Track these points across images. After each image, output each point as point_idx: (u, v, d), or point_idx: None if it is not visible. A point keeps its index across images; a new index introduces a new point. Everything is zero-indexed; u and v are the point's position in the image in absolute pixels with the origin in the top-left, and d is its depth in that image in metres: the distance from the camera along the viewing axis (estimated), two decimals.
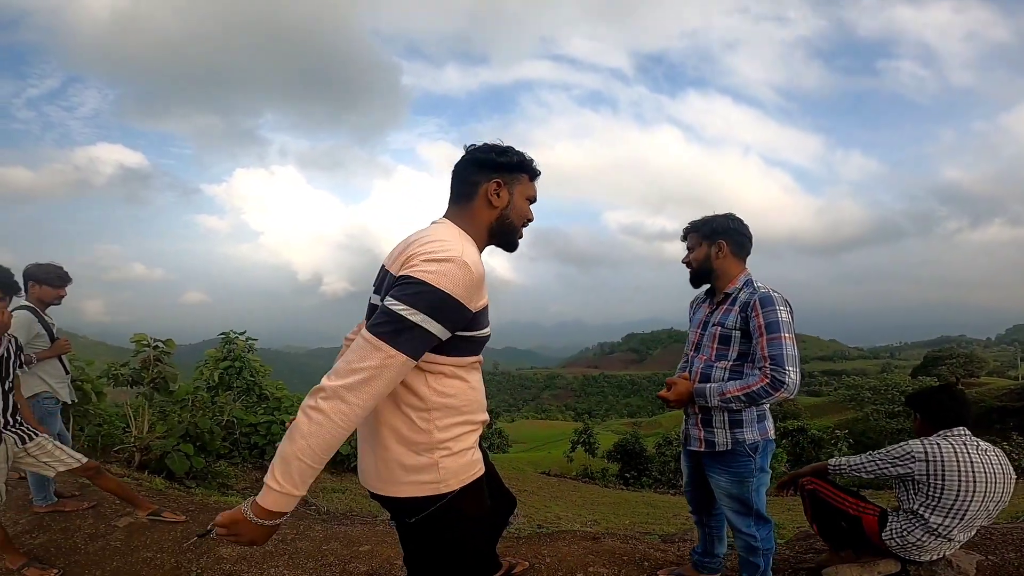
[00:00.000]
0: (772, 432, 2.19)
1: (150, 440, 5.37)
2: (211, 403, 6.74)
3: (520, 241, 1.55)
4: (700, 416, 2.18)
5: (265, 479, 1.18)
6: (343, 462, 7.58)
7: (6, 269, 2.63)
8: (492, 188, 1.46)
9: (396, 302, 1.21)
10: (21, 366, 2.89)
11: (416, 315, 1.20)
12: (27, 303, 3.24)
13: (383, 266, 1.45)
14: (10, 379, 2.71)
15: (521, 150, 1.50)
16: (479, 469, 1.48)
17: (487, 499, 1.53)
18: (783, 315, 1.99)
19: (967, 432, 2.37)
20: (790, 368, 1.92)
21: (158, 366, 5.67)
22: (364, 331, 1.22)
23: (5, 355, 2.65)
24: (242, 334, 7.86)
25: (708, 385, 2.09)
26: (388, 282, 1.32)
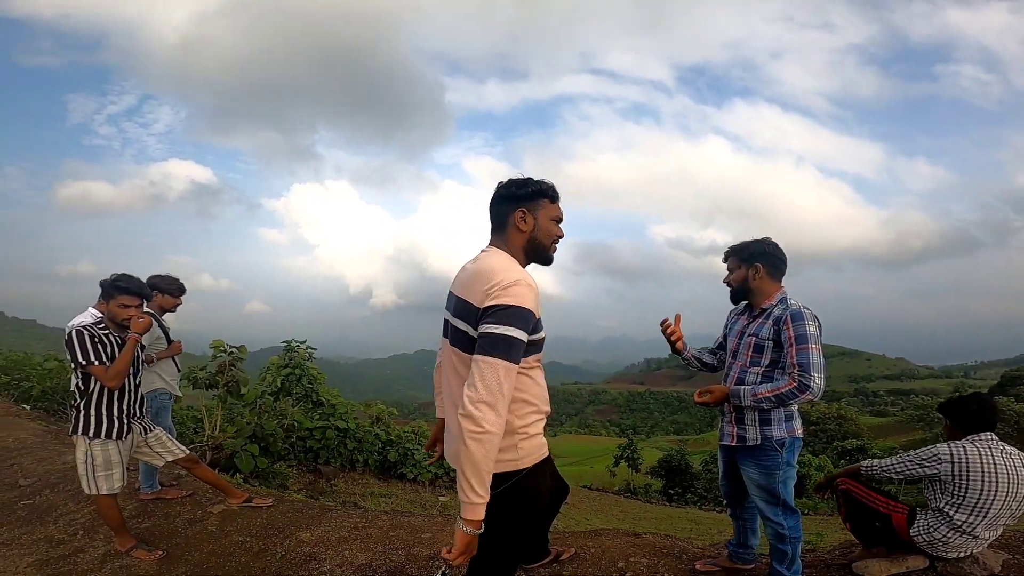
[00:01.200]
0: (800, 431, 2.44)
1: (222, 439, 5.86)
2: (273, 407, 7.20)
3: (555, 256, 1.88)
4: (734, 415, 2.47)
5: (466, 497, 1.52)
6: (390, 469, 7.96)
7: (139, 280, 3.11)
8: (519, 216, 1.77)
9: (498, 325, 1.55)
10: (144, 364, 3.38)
11: (513, 331, 1.56)
12: (148, 309, 3.78)
13: (452, 293, 1.78)
14: (139, 375, 3.18)
15: (540, 179, 1.83)
16: (547, 451, 1.84)
17: (550, 479, 1.88)
18: (811, 328, 2.29)
19: (994, 437, 2.53)
20: (815, 374, 2.23)
21: (232, 371, 6.17)
22: (482, 357, 1.55)
23: (137, 354, 3.11)
24: (303, 343, 8.33)
25: (742, 387, 2.39)
26: (471, 311, 1.64)
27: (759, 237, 2.53)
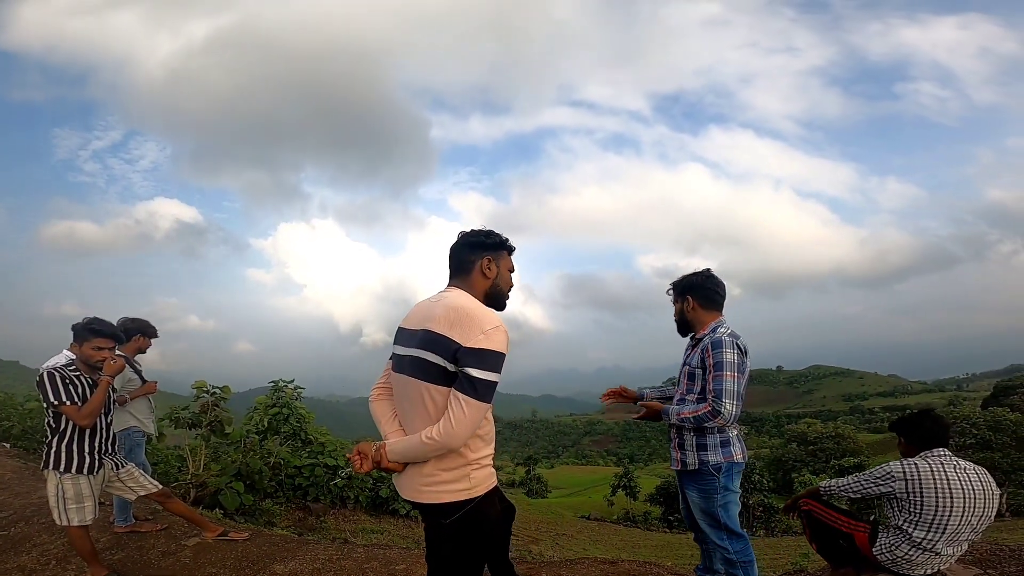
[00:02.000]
0: (740, 456, 2.53)
1: (205, 477, 5.83)
2: (260, 446, 7.19)
3: (507, 303, 2.02)
4: (676, 440, 2.60)
5: (397, 455, 1.80)
6: (382, 505, 7.88)
7: (111, 323, 3.21)
8: (485, 263, 1.92)
9: (487, 371, 1.69)
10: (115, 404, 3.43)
11: (496, 376, 1.72)
12: (120, 352, 3.84)
13: (415, 328, 1.86)
14: (111, 414, 3.24)
15: (499, 232, 1.99)
16: (495, 480, 1.94)
17: (498, 505, 1.96)
18: (728, 356, 2.43)
19: (947, 452, 2.59)
20: (727, 400, 2.39)
21: (215, 410, 6.18)
22: (466, 398, 1.68)
23: (107, 394, 3.17)
24: (290, 383, 8.37)
25: (672, 407, 2.56)
26: (449, 347, 1.72)
27: (699, 270, 2.69)
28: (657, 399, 2.87)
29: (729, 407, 2.36)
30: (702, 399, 2.49)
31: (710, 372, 2.43)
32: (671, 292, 2.72)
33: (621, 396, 2.94)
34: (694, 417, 2.43)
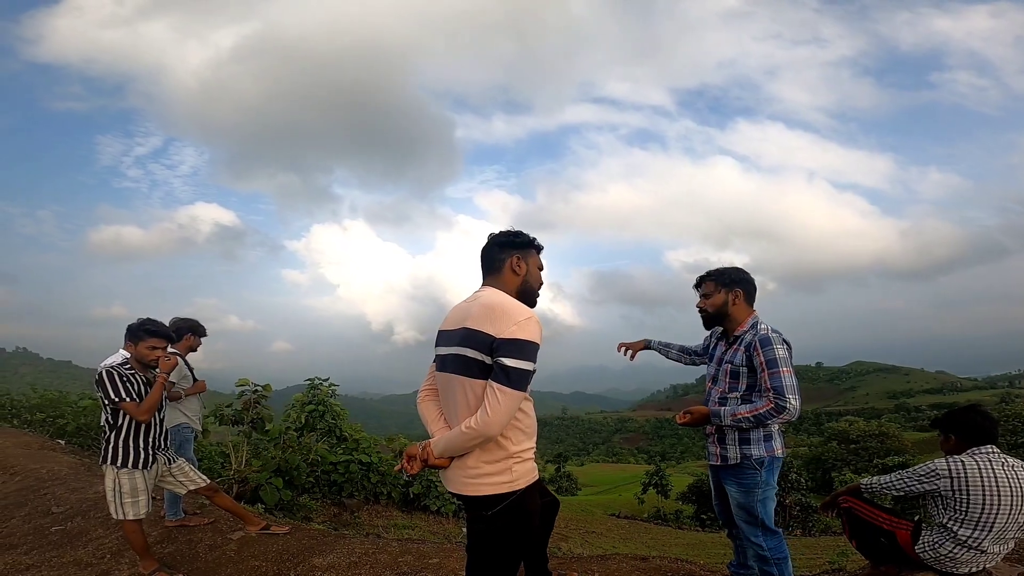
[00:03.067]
0: (780, 451, 2.49)
1: (247, 473, 6.05)
2: (298, 442, 7.41)
3: (538, 300, 2.09)
4: (716, 435, 2.55)
5: (440, 451, 1.86)
6: (414, 501, 8.03)
7: (163, 323, 3.39)
8: (514, 261, 2.00)
9: (520, 360, 1.75)
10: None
11: (530, 364, 1.78)
12: (173, 350, 4.03)
13: (453, 328, 1.93)
14: (163, 411, 3.40)
15: (527, 232, 2.07)
16: (537, 474, 1.99)
17: (539, 499, 2.03)
18: (780, 352, 2.37)
19: (995, 449, 2.50)
20: (790, 396, 2.31)
21: (257, 408, 6.40)
22: (500, 387, 1.75)
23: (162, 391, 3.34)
24: (326, 380, 8.57)
25: (723, 408, 2.46)
26: (485, 341, 1.79)
27: (734, 266, 2.63)
28: (665, 346, 3.10)
29: (794, 402, 2.29)
30: (748, 397, 2.44)
31: (763, 370, 2.36)
32: (711, 282, 2.61)
33: (628, 350, 3.12)
34: (754, 416, 2.35)
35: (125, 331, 3.28)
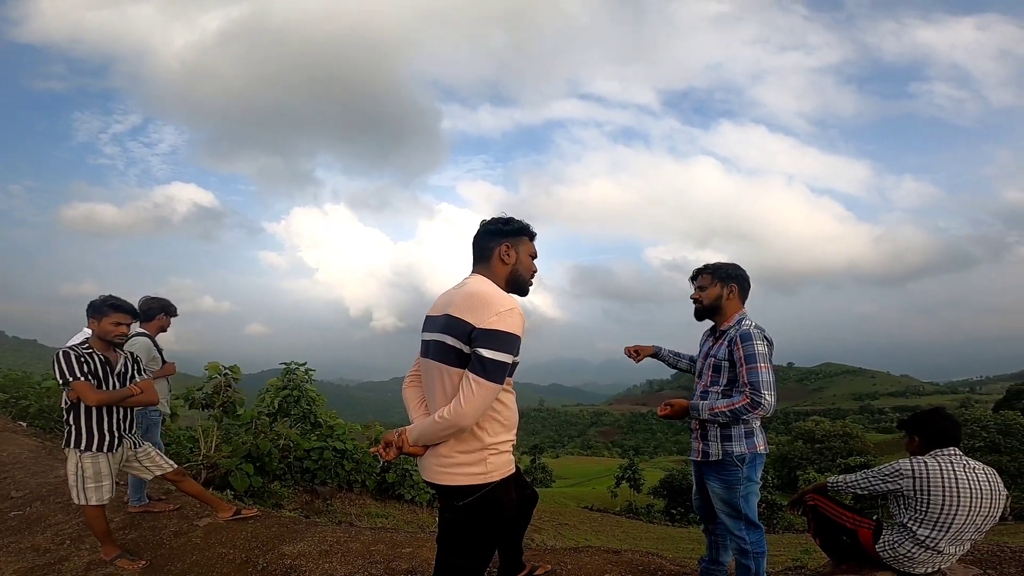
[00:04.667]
0: (762, 447, 2.51)
1: (217, 459, 5.94)
2: (270, 428, 7.30)
3: (530, 288, 2.06)
4: (699, 431, 2.57)
5: (415, 438, 1.85)
6: (388, 490, 7.99)
7: (130, 305, 3.25)
8: (503, 250, 1.97)
9: (495, 351, 1.73)
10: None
11: (506, 356, 1.75)
12: (143, 331, 3.90)
13: (437, 315, 1.91)
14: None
15: (519, 218, 2.03)
16: (513, 468, 1.98)
17: (514, 492, 2.02)
18: (759, 348, 2.39)
19: (958, 451, 2.58)
20: (766, 392, 2.33)
21: (227, 392, 6.28)
22: (476, 378, 1.73)
23: (123, 371, 3.23)
24: (302, 365, 8.43)
25: (701, 402, 2.50)
26: (465, 329, 1.78)
27: (731, 262, 2.66)
28: (675, 355, 3.01)
29: (769, 398, 2.31)
30: (728, 391, 2.47)
31: (742, 365, 2.38)
32: (704, 276, 2.63)
33: (636, 353, 3.03)
34: (730, 411, 2.37)
35: (87, 308, 3.17)
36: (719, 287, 2.58)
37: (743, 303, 2.60)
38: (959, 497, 2.44)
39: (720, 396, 2.49)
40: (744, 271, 2.63)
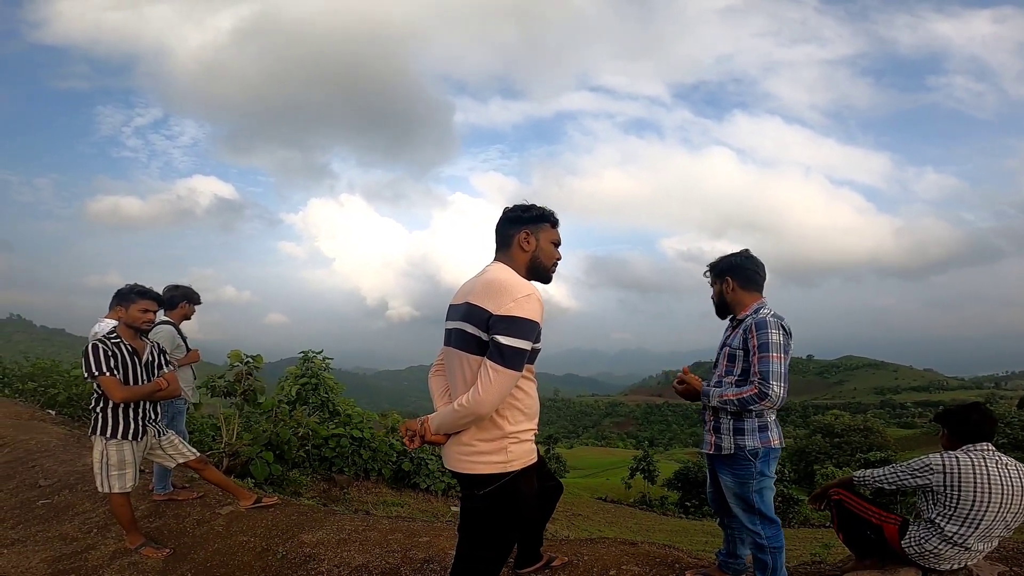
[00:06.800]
0: (777, 442, 2.45)
1: (238, 447, 6.04)
2: (290, 416, 7.39)
3: (557, 272, 2.06)
4: (712, 423, 2.51)
5: (437, 426, 1.87)
6: (404, 478, 8.06)
7: (156, 292, 3.33)
8: (523, 237, 1.95)
9: (512, 338, 1.72)
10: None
11: (523, 343, 1.74)
12: (167, 319, 3.95)
13: (458, 303, 1.92)
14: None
15: (542, 205, 2.00)
16: (535, 457, 1.97)
17: (536, 482, 2.01)
18: (774, 337, 2.32)
19: (991, 447, 2.50)
20: (774, 383, 2.26)
21: (249, 380, 6.36)
22: (493, 364, 1.73)
23: (151, 360, 3.29)
24: (319, 353, 8.50)
25: (712, 389, 2.47)
26: (483, 316, 1.78)
27: (737, 251, 2.60)
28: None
29: (777, 389, 2.25)
30: (742, 381, 2.41)
31: (754, 354, 2.32)
32: (708, 274, 2.62)
33: (682, 383, 2.57)
34: (738, 400, 2.32)
35: (113, 296, 3.21)
36: (717, 284, 2.58)
37: (755, 291, 2.52)
38: (990, 493, 2.37)
39: (733, 386, 2.43)
40: (740, 259, 2.55)
